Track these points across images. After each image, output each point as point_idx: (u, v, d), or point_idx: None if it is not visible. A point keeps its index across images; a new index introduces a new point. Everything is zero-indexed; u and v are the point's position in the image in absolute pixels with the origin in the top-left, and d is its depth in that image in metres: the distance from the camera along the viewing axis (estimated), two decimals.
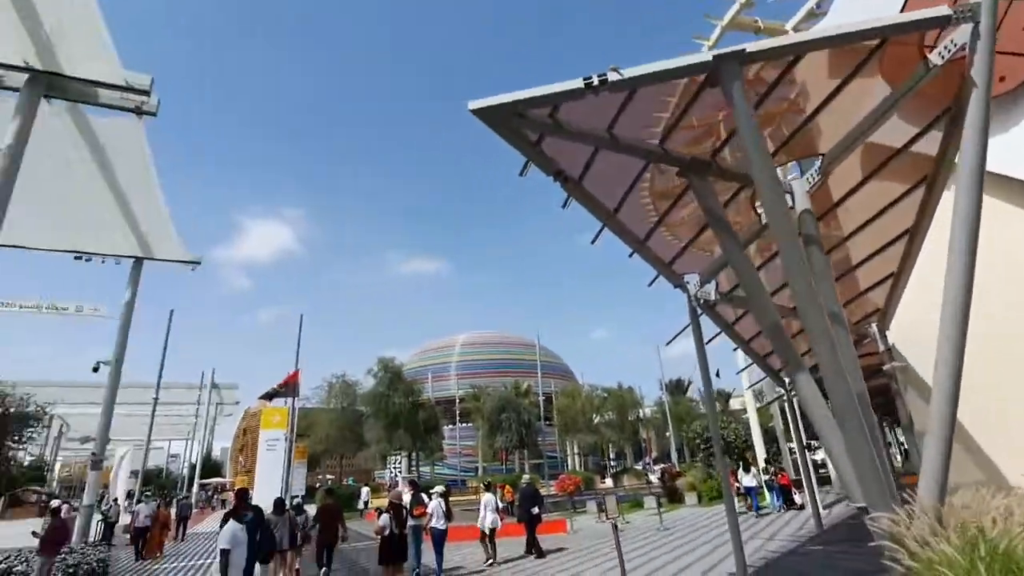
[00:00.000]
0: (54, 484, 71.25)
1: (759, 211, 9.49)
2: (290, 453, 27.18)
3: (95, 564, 13.90)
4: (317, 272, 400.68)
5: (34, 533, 13.35)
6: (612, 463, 74.83)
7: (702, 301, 11.24)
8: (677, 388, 76.38)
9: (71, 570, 13.35)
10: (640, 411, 60.40)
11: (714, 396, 12.37)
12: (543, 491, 41.85)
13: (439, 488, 14.36)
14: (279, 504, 13.75)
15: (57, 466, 77.08)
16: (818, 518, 17.13)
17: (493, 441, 49.72)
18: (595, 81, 5.56)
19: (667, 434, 60.90)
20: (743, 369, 24.78)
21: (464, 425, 61.50)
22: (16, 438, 15.93)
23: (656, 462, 76.55)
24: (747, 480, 22.47)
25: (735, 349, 21.02)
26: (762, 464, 25.06)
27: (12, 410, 16.09)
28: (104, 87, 13.55)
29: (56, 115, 14.47)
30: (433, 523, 13.42)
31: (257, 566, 10.86)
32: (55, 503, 19.92)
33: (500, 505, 14.81)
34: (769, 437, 31.96)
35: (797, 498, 22.80)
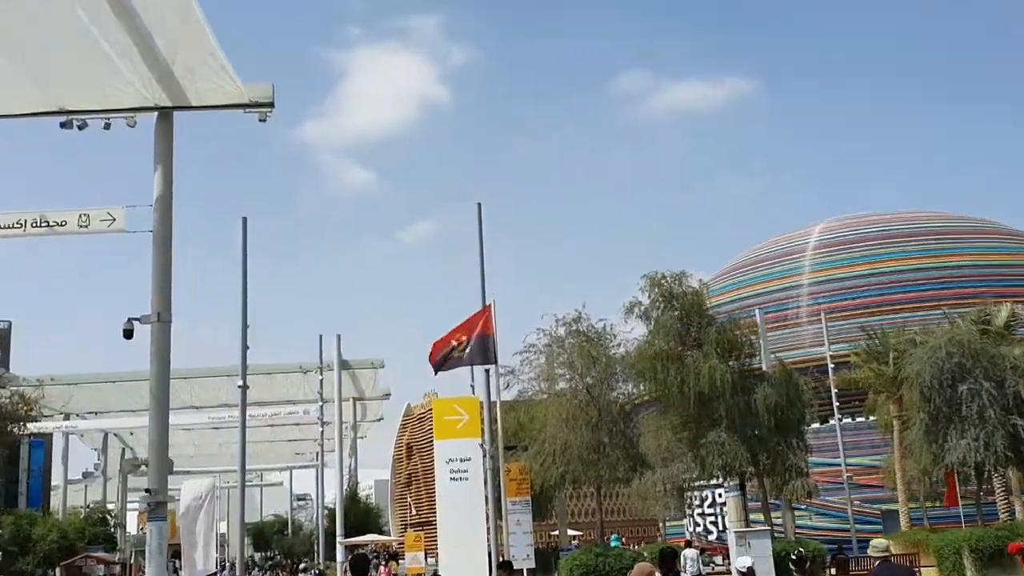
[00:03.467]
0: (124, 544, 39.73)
1: None
2: (496, 484, 17.12)
3: None
4: (483, 127, 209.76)
5: None
6: None
7: None
8: None
9: None
10: None
11: None
12: None
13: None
14: None
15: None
16: None
17: (937, 448, 21.36)
18: None
19: None
20: None
21: (850, 419, 32.61)
22: None
23: None
24: None
25: None
26: None
27: None
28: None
29: None
30: None
31: None
32: None
33: None
34: None
35: None
